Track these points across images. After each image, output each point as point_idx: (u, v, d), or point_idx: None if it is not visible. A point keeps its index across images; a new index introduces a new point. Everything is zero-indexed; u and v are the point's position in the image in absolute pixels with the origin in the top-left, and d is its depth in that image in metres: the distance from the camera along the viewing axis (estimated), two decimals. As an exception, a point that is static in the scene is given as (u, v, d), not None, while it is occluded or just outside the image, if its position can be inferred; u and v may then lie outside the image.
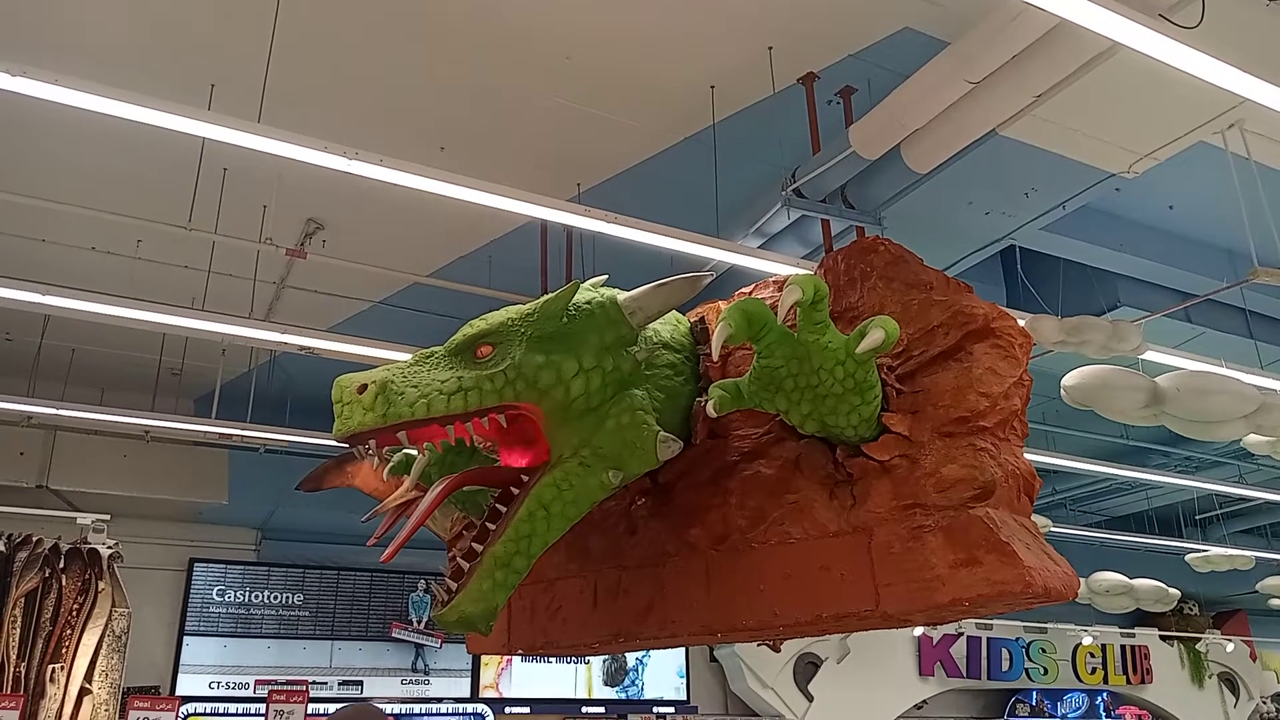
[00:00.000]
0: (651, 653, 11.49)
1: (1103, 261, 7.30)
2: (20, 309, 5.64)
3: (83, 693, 6.60)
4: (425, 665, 10.82)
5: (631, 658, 11.75)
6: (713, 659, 12.19)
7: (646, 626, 2.37)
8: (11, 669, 6.43)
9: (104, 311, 5.46)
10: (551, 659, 11.06)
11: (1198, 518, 13.42)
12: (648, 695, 11.80)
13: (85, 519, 7.20)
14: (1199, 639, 15.49)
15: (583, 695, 11.47)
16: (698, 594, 2.28)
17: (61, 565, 6.83)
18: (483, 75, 5.63)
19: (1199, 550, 12.06)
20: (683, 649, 11.42)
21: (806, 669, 12.01)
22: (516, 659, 10.98)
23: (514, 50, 5.44)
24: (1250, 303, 7.84)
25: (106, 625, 6.82)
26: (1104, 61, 4.26)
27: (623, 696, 11.69)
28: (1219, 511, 13.08)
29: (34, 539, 6.85)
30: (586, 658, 11.20)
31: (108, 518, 7.32)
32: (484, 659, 10.90)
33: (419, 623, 10.87)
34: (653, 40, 5.39)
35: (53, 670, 6.55)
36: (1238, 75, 3.56)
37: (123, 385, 9.23)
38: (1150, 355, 6.26)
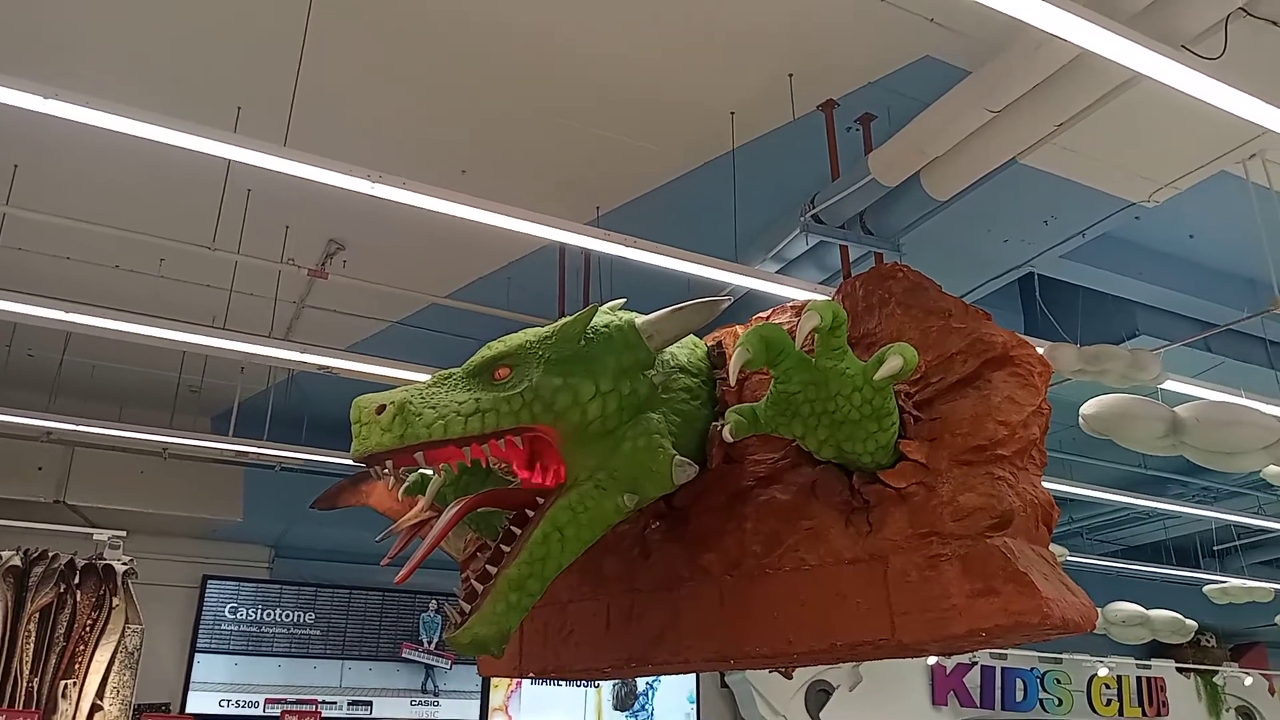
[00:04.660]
0: (662, 678, 11.41)
1: (1122, 290, 7.26)
2: (44, 325, 5.70)
3: (94, 709, 6.62)
4: (435, 686, 10.78)
5: (642, 682, 11.67)
6: (723, 685, 12.09)
7: (659, 651, 2.36)
8: (24, 684, 6.45)
9: (126, 329, 5.51)
10: (562, 682, 11.00)
11: (1215, 548, 13.27)
12: (658, 720, 11.72)
13: (101, 535, 7.25)
14: (1216, 671, 15.27)
15: (592, 719, 11.40)
16: (711, 619, 2.27)
17: (77, 581, 6.86)
18: (505, 99, 5.67)
19: (1217, 581, 11.93)
20: (693, 674, 11.34)
21: (818, 696, 11.89)
22: (526, 681, 10.93)
23: (536, 74, 5.49)
24: (1271, 332, 7.78)
25: (119, 641, 6.84)
26: (1125, 91, 4.26)
27: (633, 721, 11.61)
28: (1237, 543, 12.92)
29: (50, 554, 6.89)
30: (597, 682, 11.14)
31: (124, 534, 7.36)
32: (494, 681, 10.85)
33: (430, 643, 10.84)
34: (674, 66, 5.43)
35: (65, 686, 6.57)
36: (1260, 106, 3.56)
37: (141, 402, 9.30)
38: (1170, 385, 6.22)
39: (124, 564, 7.09)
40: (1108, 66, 3.60)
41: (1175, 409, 6.17)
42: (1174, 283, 7.24)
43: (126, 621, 6.94)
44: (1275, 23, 4.25)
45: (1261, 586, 11.69)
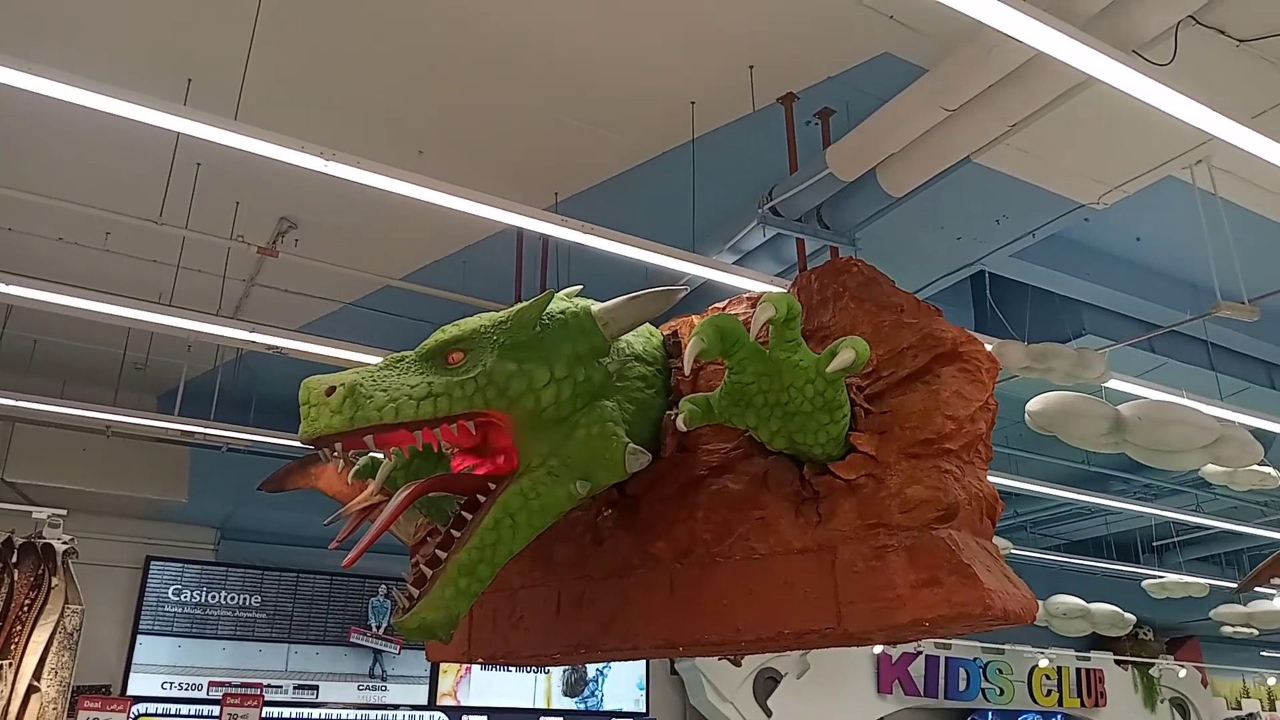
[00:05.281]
0: (611, 664, 11.46)
1: (1070, 290, 7.40)
2: (-17, 298, 5.55)
3: (30, 690, 6.49)
4: (383, 671, 10.72)
5: (591, 668, 11.71)
6: (673, 672, 12.17)
7: (609, 638, 2.37)
8: (-42, 664, 6.30)
9: (69, 304, 5.38)
10: (511, 668, 11.00)
11: (1155, 544, 13.62)
12: (607, 707, 11.77)
13: (41, 513, 7.09)
14: (1152, 664, 15.70)
15: (541, 705, 11.42)
16: (661, 607, 2.28)
17: (15, 559, 6.71)
18: (465, 81, 5.62)
19: (1155, 576, 12.24)
20: (643, 661, 11.40)
21: (766, 684, 12.03)
22: (475, 667, 10.91)
23: (497, 57, 5.44)
24: (1212, 335, 7.98)
25: (58, 622, 6.71)
26: (1078, 94, 4.33)
27: (582, 707, 11.64)
28: (1176, 539, 13.28)
29: (-13, 532, 6.73)
30: (547, 668, 11.15)
31: (64, 513, 7.21)
32: (443, 666, 10.81)
33: (378, 628, 10.77)
34: (635, 54, 5.41)
35: (0, 667, 6.42)
36: (1206, 113, 3.64)
37: (85, 378, 9.09)
38: (1113, 383, 6.35)
39: (64, 543, 6.95)
40: (1061, 69, 3.65)
41: (1118, 407, 6.31)
42: (1120, 284, 7.39)
43: (66, 602, 6.81)
44: (1224, 31, 4.35)
45: (1197, 582, 12.01)
